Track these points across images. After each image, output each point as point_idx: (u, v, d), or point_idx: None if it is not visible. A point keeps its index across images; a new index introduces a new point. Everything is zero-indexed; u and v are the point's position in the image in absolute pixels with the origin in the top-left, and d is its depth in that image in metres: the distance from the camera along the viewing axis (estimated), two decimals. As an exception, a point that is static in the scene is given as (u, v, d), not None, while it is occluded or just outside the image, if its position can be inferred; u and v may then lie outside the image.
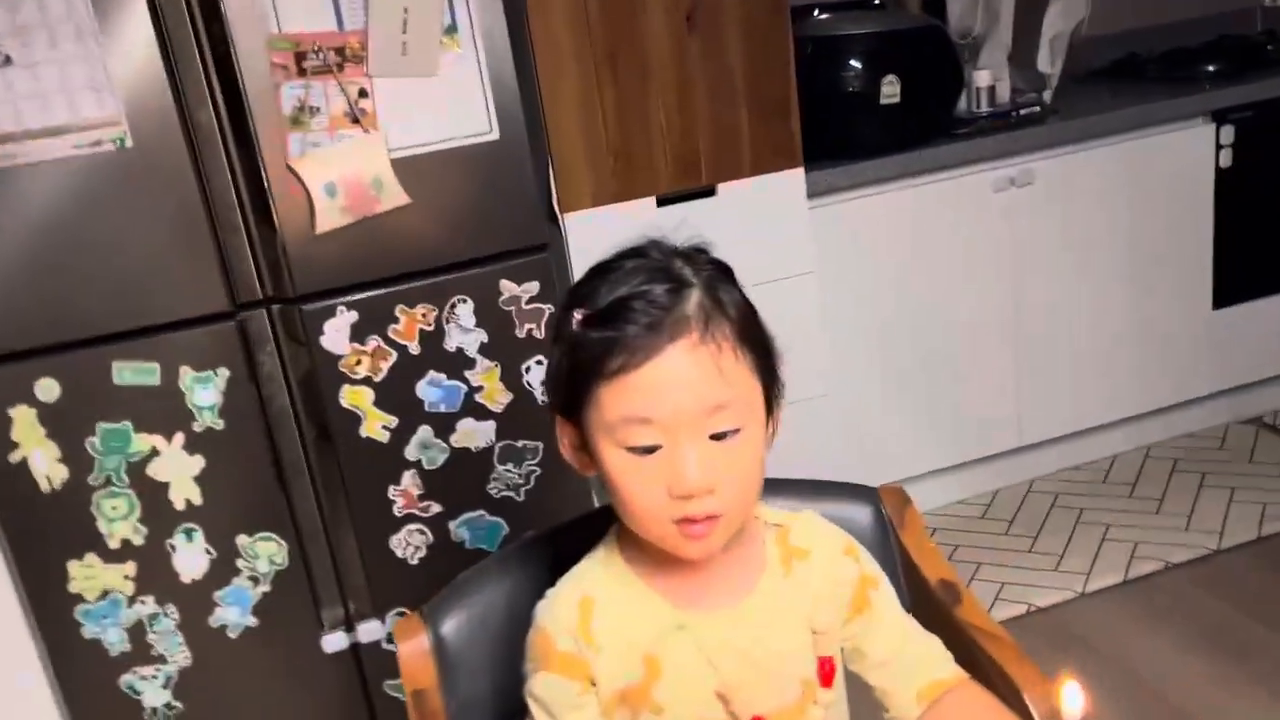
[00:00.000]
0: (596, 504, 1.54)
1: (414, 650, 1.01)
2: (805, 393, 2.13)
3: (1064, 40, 2.52)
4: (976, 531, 2.48)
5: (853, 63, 2.19)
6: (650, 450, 0.82)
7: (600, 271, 0.88)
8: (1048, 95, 2.48)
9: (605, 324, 0.83)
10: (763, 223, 2.05)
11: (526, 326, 1.84)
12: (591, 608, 0.90)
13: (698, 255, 0.88)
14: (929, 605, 1.02)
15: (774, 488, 1.09)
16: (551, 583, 0.94)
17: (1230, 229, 2.57)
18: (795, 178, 2.09)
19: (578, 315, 0.85)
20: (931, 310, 2.40)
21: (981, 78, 2.38)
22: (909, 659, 0.95)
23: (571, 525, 1.09)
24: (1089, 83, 2.75)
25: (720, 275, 0.87)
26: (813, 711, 0.93)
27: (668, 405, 0.81)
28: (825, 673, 0.94)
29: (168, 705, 1.83)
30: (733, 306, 0.85)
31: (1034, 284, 2.46)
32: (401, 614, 1.90)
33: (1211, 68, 2.60)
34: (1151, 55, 2.76)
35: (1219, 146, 2.51)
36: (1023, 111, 2.38)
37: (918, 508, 1.14)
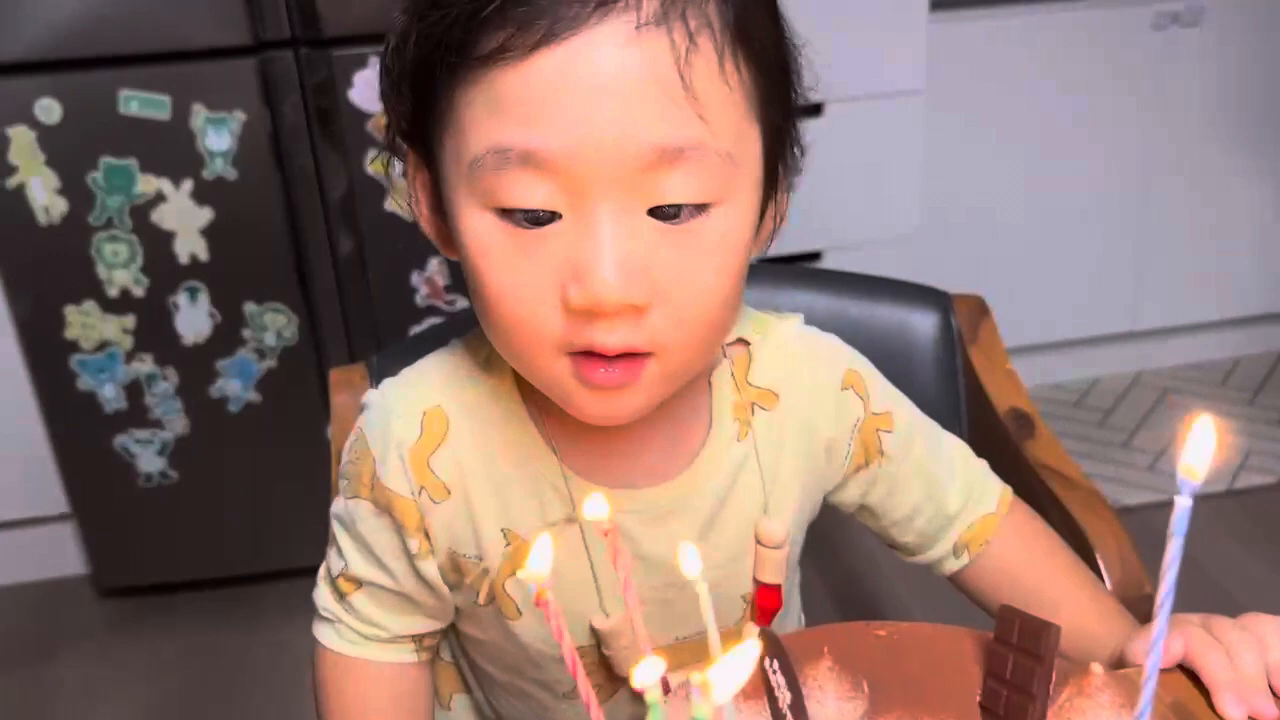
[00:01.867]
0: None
1: (351, 404, 0.83)
2: (886, 232, 1.88)
3: None
4: (1067, 419, 2.23)
5: None
6: (539, 220, 0.50)
7: None
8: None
9: None
10: (870, 28, 1.77)
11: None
12: (445, 427, 0.61)
13: None
14: (993, 439, 0.80)
15: (804, 279, 0.87)
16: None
17: None
18: (918, -22, 1.80)
19: None
20: (1051, 161, 2.09)
21: (1159, -110, 2.02)
22: (939, 505, 0.70)
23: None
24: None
25: None
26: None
27: (577, 134, 0.48)
28: (763, 608, 0.66)
29: (162, 473, 1.72)
30: None
31: (1179, 144, 2.13)
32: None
33: None
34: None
35: None
36: (1201, -62, 2.01)
37: (997, 324, 0.91)
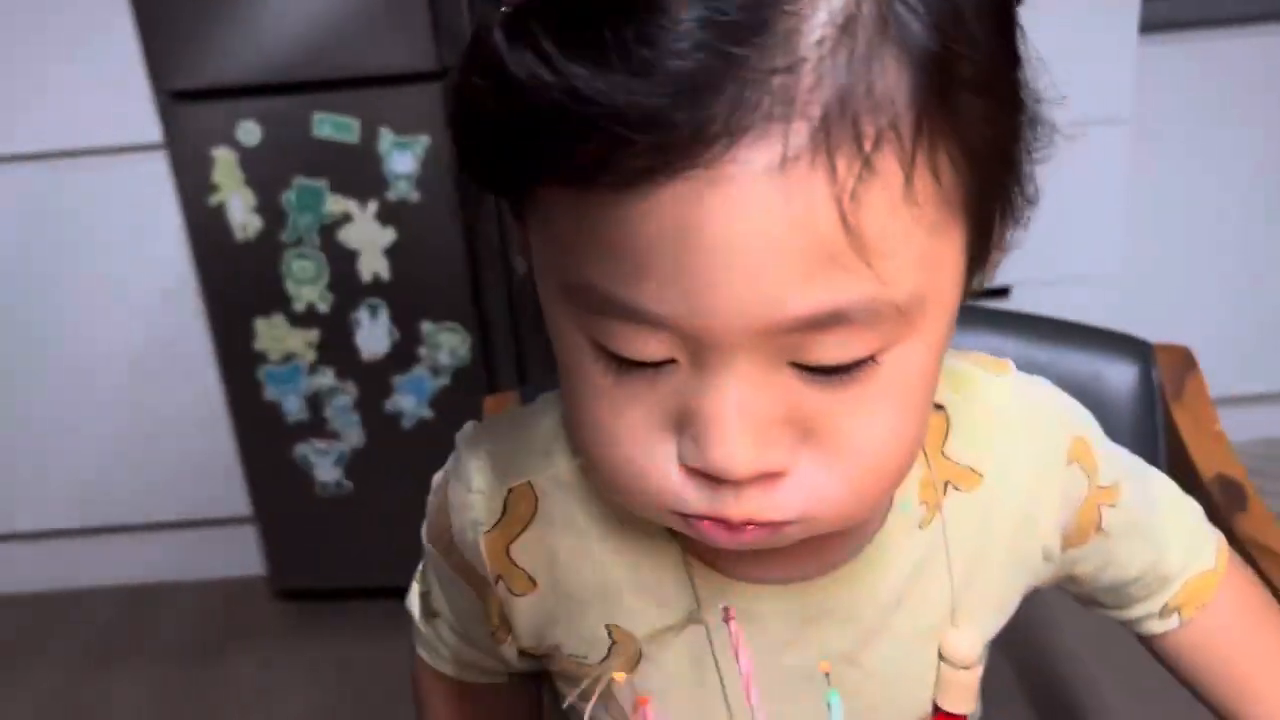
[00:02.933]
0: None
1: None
2: (1085, 269, 1.76)
3: None
4: (1282, 477, 2.03)
5: None
6: (646, 367, 0.39)
7: None
8: None
9: (564, 46, 0.34)
10: (1071, 50, 1.66)
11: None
12: (533, 509, 0.51)
13: None
14: (1197, 508, 0.71)
15: (987, 320, 0.81)
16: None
17: None
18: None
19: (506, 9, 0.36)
20: (1269, 194, 1.92)
21: None
22: (1158, 572, 0.59)
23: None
24: None
25: None
26: None
27: (699, 302, 0.36)
28: None
29: (338, 483, 1.78)
30: (967, 31, 0.35)
31: None
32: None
33: None
34: None
35: None
36: None
37: (1205, 380, 0.82)
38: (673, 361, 0.38)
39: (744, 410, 0.38)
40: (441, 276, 1.66)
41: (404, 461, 1.76)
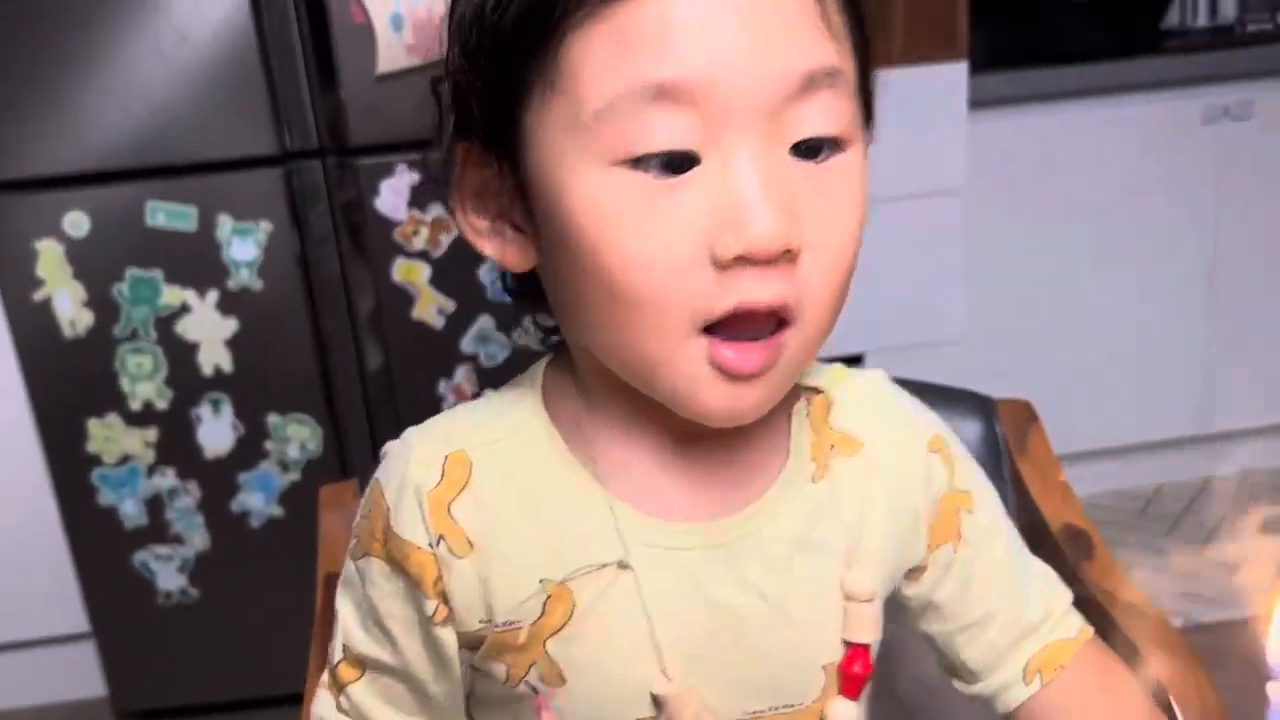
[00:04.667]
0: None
1: (339, 524, 0.78)
2: (933, 335, 1.81)
3: (1311, -45, 2.08)
4: (1133, 528, 2.10)
5: (1041, -54, 1.84)
6: (677, 165, 0.46)
7: None
8: (1283, 17, 2.05)
9: None
10: (909, 126, 1.73)
11: (613, 213, 1.58)
12: (467, 473, 0.54)
13: None
14: (1046, 559, 0.71)
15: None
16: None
17: None
18: (956, 76, 1.76)
19: None
20: (1106, 260, 2.02)
21: (1203, -16, 1.99)
22: (1017, 614, 0.62)
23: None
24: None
25: None
26: None
27: (720, 59, 0.45)
28: (853, 675, 0.58)
29: (182, 590, 1.67)
30: None
31: (1240, 240, 2.04)
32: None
33: None
34: None
35: None
36: (1250, 28, 1.97)
37: (1046, 432, 0.83)
38: (695, 162, 0.46)
39: (769, 186, 0.46)
40: (288, 366, 1.59)
41: (253, 564, 1.67)
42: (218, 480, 1.62)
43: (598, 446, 0.55)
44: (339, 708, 0.60)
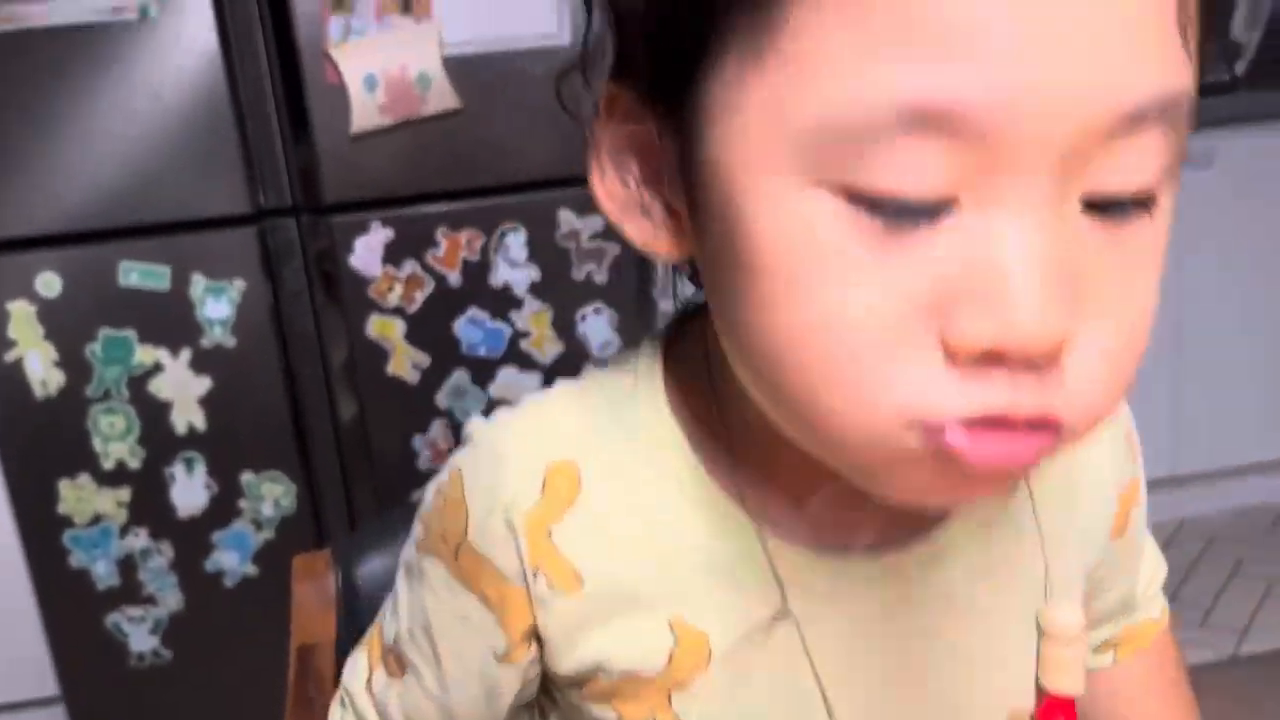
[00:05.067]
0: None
1: (314, 595, 0.77)
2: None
3: (1266, 6, 2.13)
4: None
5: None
6: (923, 212, 0.32)
7: None
8: (1241, 66, 2.10)
9: None
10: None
11: (585, 267, 1.59)
12: (575, 487, 0.44)
13: None
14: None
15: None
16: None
17: None
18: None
19: None
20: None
21: (1160, 36, 2.03)
22: (1132, 581, 0.57)
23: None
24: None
25: None
26: None
27: (1024, 77, 0.30)
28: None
29: (155, 652, 1.65)
30: None
31: (1205, 283, 2.08)
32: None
33: None
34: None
35: None
36: (1210, 79, 2.01)
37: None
38: (952, 206, 0.31)
39: (1049, 260, 0.31)
40: (262, 424, 1.58)
41: (227, 624, 1.65)
42: (191, 540, 1.61)
43: (743, 466, 0.44)
44: (367, 686, 0.54)
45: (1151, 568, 0.59)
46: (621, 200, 0.40)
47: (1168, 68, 0.31)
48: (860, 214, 0.32)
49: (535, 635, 0.46)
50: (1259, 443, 2.22)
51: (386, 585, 0.72)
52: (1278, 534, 2.20)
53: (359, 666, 0.56)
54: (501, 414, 0.48)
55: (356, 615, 0.77)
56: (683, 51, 0.35)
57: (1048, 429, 0.33)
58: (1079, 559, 0.50)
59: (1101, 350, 0.34)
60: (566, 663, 0.46)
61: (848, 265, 0.32)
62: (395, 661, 0.52)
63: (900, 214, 0.31)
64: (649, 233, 0.40)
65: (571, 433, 0.45)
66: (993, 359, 0.32)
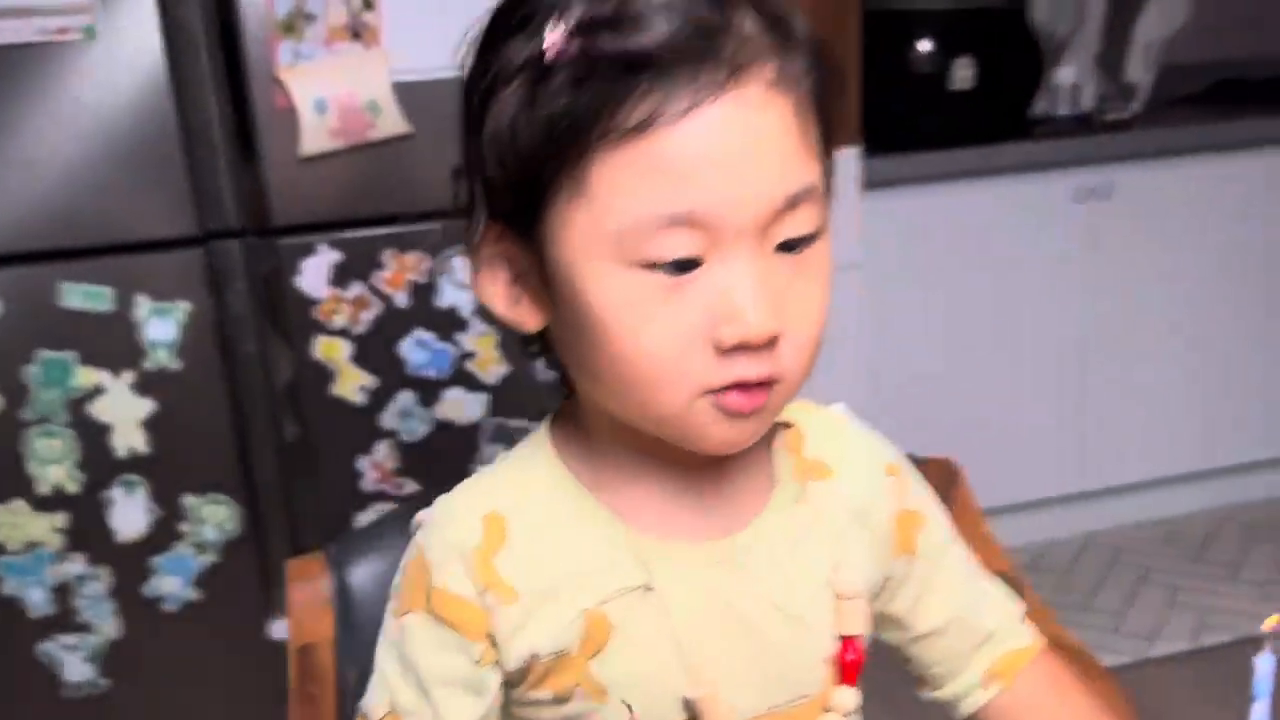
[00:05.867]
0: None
1: (309, 597, 0.79)
2: (837, 397, 1.89)
3: (1157, 49, 2.29)
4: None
5: (924, 41, 1.98)
6: (685, 267, 0.53)
7: None
8: (1136, 105, 2.25)
9: (614, 33, 0.52)
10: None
11: (532, 289, 1.63)
12: (503, 530, 0.61)
13: None
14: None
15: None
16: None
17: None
18: (849, 161, 1.88)
19: (555, 34, 0.53)
20: (990, 328, 2.16)
21: (1065, 75, 2.17)
22: (971, 624, 0.70)
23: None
24: (1182, 105, 2.51)
25: None
26: None
27: (728, 192, 0.52)
28: (848, 663, 0.65)
29: (91, 681, 1.62)
30: (800, 28, 0.57)
31: (1109, 307, 2.21)
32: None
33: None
34: (1254, 79, 2.52)
35: (1326, 176, 2.25)
36: (1109, 117, 2.15)
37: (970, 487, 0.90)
38: (700, 262, 0.53)
39: (760, 287, 0.54)
40: (205, 446, 1.58)
41: (168, 650, 1.63)
42: (130, 564, 1.59)
43: (612, 485, 0.63)
44: None
45: (1000, 605, 0.72)
46: (495, 293, 0.60)
47: (802, 175, 0.55)
48: (649, 276, 0.54)
49: (491, 639, 0.61)
50: (1162, 459, 2.36)
51: (378, 585, 0.76)
52: (1177, 545, 2.33)
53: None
54: (443, 496, 0.65)
55: (351, 614, 0.79)
56: (531, 200, 0.56)
57: (770, 384, 0.56)
58: (862, 555, 0.67)
59: (795, 339, 0.56)
60: (513, 659, 0.61)
61: (648, 309, 0.54)
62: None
63: (671, 270, 0.53)
64: (517, 313, 0.60)
65: (492, 491, 0.64)
66: (739, 349, 0.54)
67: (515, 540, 0.61)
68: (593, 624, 0.61)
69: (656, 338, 0.54)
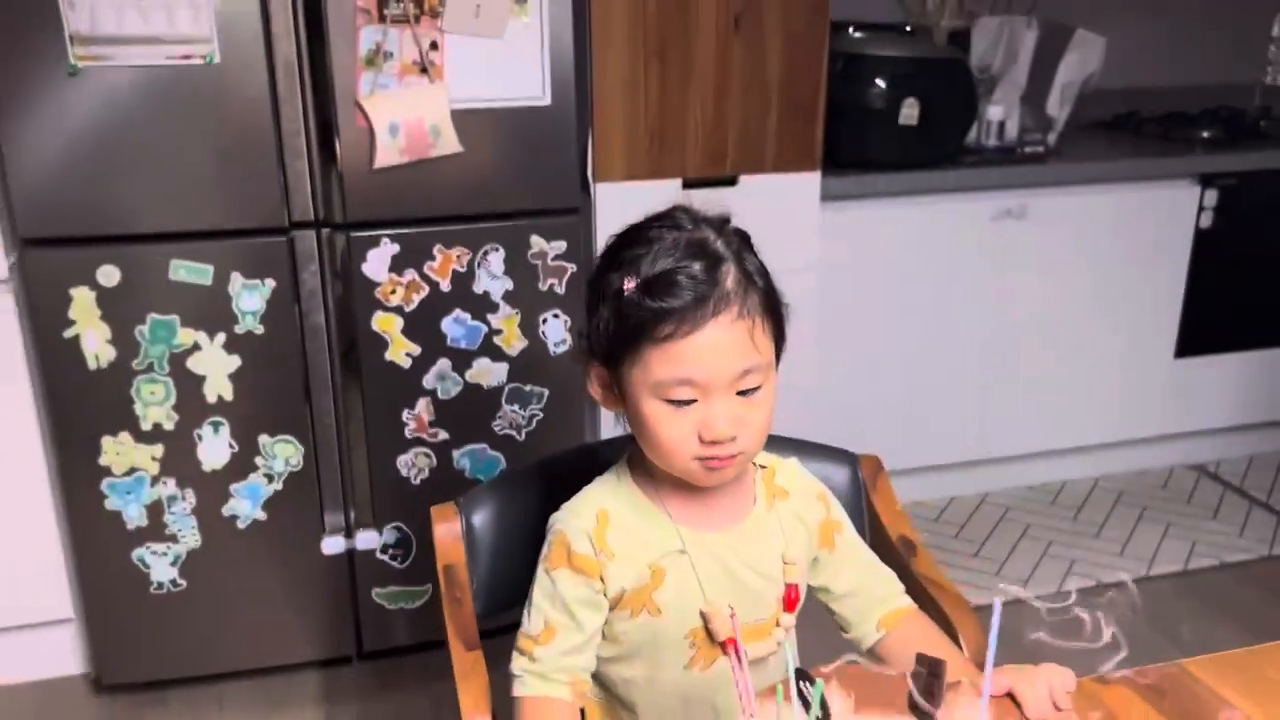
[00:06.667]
0: (601, 436, 1.41)
1: (448, 532, 1.17)
2: (794, 380, 2.29)
3: (1074, 89, 2.69)
4: (929, 532, 2.66)
5: (879, 82, 2.35)
6: (687, 403, 0.96)
7: (637, 239, 0.99)
8: (1052, 137, 2.65)
9: (655, 293, 0.95)
10: (777, 216, 2.21)
11: (549, 281, 2.00)
12: (607, 519, 1.04)
13: (724, 225, 1.00)
14: (890, 557, 1.19)
15: (771, 443, 1.25)
16: (564, 498, 1.09)
17: (1202, 285, 2.76)
18: (812, 180, 2.25)
19: (629, 283, 0.96)
20: (917, 320, 2.57)
21: (994, 112, 2.55)
22: (870, 591, 1.12)
23: (581, 452, 1.26)
24: (1091, 131, 2.93)
25: (745, 246, 1.00)
26: (776, 633, 1.08)
27: (708, 370, 0.94)
28: (790, 599, 1.09)
29: (173, 581, 1.98)
30: (759, 277, 0.98)
31: (1015, 309, 2.64)
32: (399, 527, 2.06)
33: (1206, 134, 2.78)
34: (1152, 115, 2.94)
35: (1201, 208, 2.69)
36: (1028, 149, 2.55)
37: (889, 477, 1.31)
38: (694, 401, 0.96)
39: (726, 415, 0.96)
40: (279, 397, 1.93)
41: (237, 560, 2.00)
42: (212, 489, 1.94)
43: (662, 496, 1.06)
44: (533, 660, 1.04)
45: (888, 581, 1.14)
46: (595, 390, 1.05)
47: (752, 358, 0.96)
48: (669, 405, 0.97)
49: (603, 579, 1.02)
50: (1047, 434, 2.82)
51: (488, 527, 1.16)
52: (1057, 507, 2.80)
53: (517, 661, 1.05)
54: (569, 502, 1.08)
55: (475, 545, 1.17)
56: (613, 358, 1.00)
57: (735, 456, 0.98)
58: (801, 544, 1.11)
59: (749, 437, 0.98)
60: (612, 590, 1.04)
61: (668, 420, 0.97)
62: (548, 634, 1.04)
63: (679, 405, 0.96)
64: (607, 403, 1.04)
65: (599, 499, 1.07)
66: (715, 442, 0.97)
67: (613, 524, 1.04)
68: (654, 571, 1.04)
69: (673, 434, 0.98)
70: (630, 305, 0.96)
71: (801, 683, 0.78)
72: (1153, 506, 2.81)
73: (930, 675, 0.82)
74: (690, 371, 0.94)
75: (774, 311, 0.99)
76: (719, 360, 0.94)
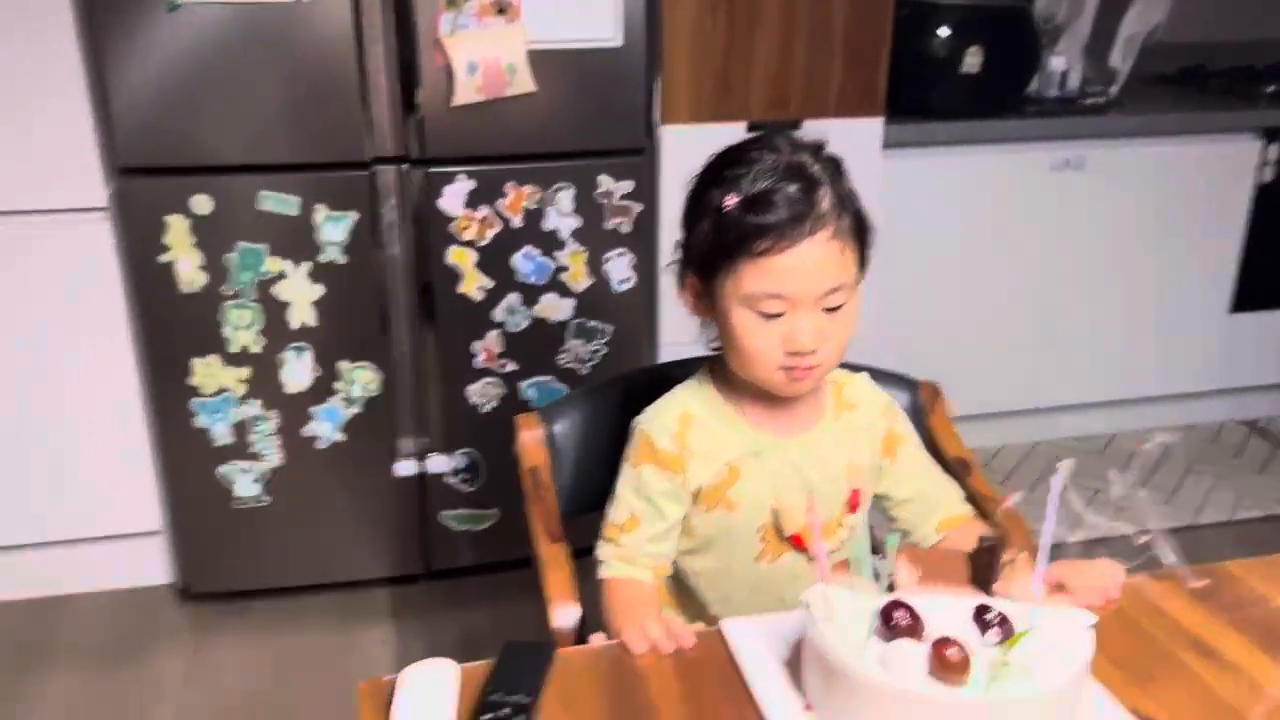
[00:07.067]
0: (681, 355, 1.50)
1: (532, 437, 1.26)
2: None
3: (1137, 41, 2.69)
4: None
5: (943, 30, 2.38)
6: (775, 316, 1.03)
7: (737, 159, 1.05)
8: (1114, 89, 2.66)
9: (756, 210, 1.01)
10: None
11: (615, 220, 2.07)
12: (690, 421, 1.14)
13: (819, 151, 1.06)
14: (946, 473, 1.25)
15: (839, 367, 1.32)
16: (637, 412, 1.17)
17: (1261, 240, 2.76)
18: (874, 126, 2.29)
19: (730, 199, 1.02)
20: (975, 267, 2.61)
21: (1056, 63, 2.57)
22: (930, 498, 1.20)
23: (655, 371, 1.34)
24: (1155, 85, 2.93)
25: (838, 172, 1.06)
26: (839, 532, 1.16)
27: (799, 285, 1.01)
28: (853, 501, 1.17)
29: (256, 497, 2.09)
30: (851, 202, 1.05)
31: (1069, 260, 2.67)
32: (468, 453, 2.16)
33: (1272, 88, 2.77)
34: (1217, 69, 2.93)
35: (1264, 162, 2.69)
36: (1089, 100, 2.57)
37: (947, 401, 1.37)
38: (781, 315, 1.04)
39: (811, 329, 1.04)
40: (359, 324, 2.03)
41: (316, 478, 2.11)
42: (294, 411, 2.05)
43: (740, 403, 1.15)
44: (618, 546, 1.12)
45: (947, 488, 1.22)
46: (687, 300, 1.12)
47: (839, 277, 1.05)
48: (758, 316, 1.05)
49: (684, 475, 1.11)
50: (1099, 385, 2.85)
51: (568, 434, 1.24)
52: (1106, 457, 2.84)
53: (604, 547, 1.16)
54: (652, 405, 1.17)
55: (556, 450, 1.26)
56: (709, 269, 1.08)
57: (814, 368, 1.07)
58: (867, 452, 1.19)
59: (829, 350, 1.07)
60: (692, 485, 1.14)
61: (756, 329, 1.06)
62: (633, 523, 1.14)
63: (768, 317, 1.05)
64: (698, 311, 1.12)
65: (682, 402, 1.16)
66: (798, 354, 1.05)
67: (695, 426, 1.14)
68: (730, 470, 1.14)
69: (761, 344, 1.05)
70: (730, 220, 1.02)
71: (875, 555, 0.86)
72: (1202, 460, 2.84)
73: (989, 553, 0.89)
74: (781, 286, 1.01)
75: (861, 235, 1.06)
76: (809, 277, 1.01)
